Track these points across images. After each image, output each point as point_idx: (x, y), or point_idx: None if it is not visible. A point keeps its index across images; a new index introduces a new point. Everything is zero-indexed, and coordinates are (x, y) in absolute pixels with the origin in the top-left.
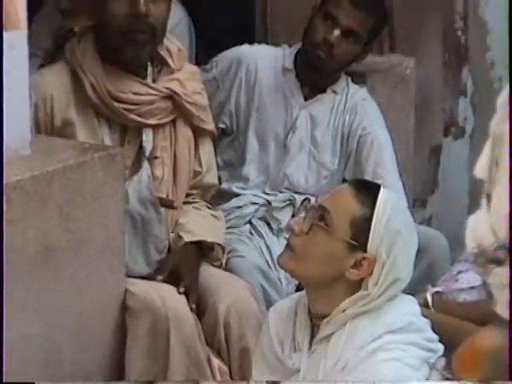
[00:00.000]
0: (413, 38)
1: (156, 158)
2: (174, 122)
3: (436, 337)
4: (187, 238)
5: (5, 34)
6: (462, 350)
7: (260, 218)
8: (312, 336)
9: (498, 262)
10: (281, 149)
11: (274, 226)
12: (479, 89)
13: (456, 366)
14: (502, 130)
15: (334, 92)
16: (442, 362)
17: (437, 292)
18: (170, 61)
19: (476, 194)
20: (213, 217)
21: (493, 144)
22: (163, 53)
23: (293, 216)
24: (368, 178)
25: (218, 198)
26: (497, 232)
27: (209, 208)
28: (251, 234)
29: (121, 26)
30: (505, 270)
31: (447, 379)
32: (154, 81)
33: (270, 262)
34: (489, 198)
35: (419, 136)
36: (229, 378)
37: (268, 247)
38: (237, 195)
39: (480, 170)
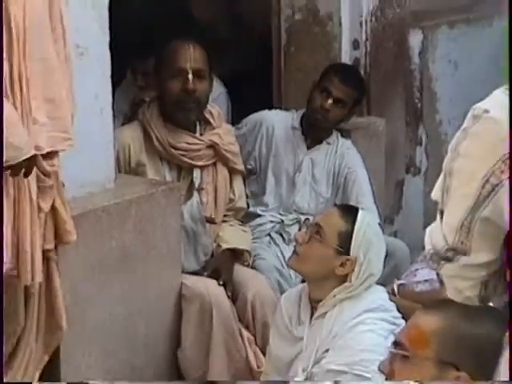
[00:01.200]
0: (383, 105)
1: (202, 189)
2: (215, 164)
3: (399, 315)
4: (224, 245)
5: (95, 102)
6: (410, 333)
7: (276, 232)
8: (312, 314)
9: (448, 260)
10: (290, 183)
11: (285, 237)
12: (430, 141)
13: (410, 347)
14: (451, 167)
15: (328, 143)
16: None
17: (400, 284)
18: (212, 121)
19: (428, 214)
20: (242, 231)
21: (444, 177)
22: (207, 115)
23: (298, 230)
24: (352, 203)
25: (247, 217)
26: (447, 238)
27: (240, 225)
28: (270, 243)
29: (175, 98)
30: (452, 265)
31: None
32: (201, 135)
33: (283, 263)
34: (441, 213)
35: (388, 173)
36: (254, 344)
37: (282, 252)
38: (259, 216)
39: (435, 194)
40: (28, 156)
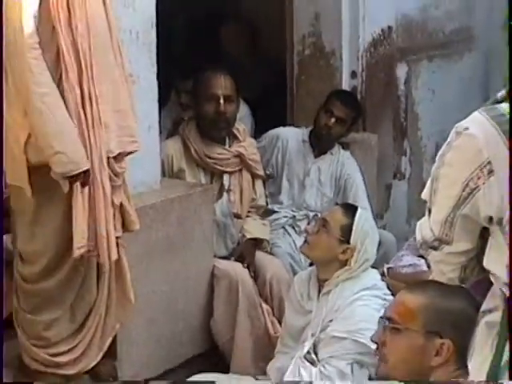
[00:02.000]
0: (376, 123)
1: (230, 190)
2: (240, 170)
3: (389, 292)
4: (248, 236)
5: (145, 120)
6: (399, 309)
7: (289, 225)
8: (319, 291)
9: (434, 248)
10: (301, 186)
11: (297, 229)
12: (413, 152)
13: (400, 320)
14: (437, 173)
15: (331, 154)
16: None
17: (389, 267)
18: (238, 135)
19: (410, 212)
20: (262, 224)
21: (432, 181)
22: (235, 131)
23: (308, 224)
24: (350, 202)
25: (266, 213)
26: (434, 231)
27: (260, 219)
28: (284, 234)
29: (210, 118)
30: (438, 252)
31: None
32: (229, 146)
33: (295, 250)
34: (429, 211)
35: (379, 178)
36: (272, 315)
37: (294, 241)
38: (276, 212)
39: (425, 195)
40: (84, 169)
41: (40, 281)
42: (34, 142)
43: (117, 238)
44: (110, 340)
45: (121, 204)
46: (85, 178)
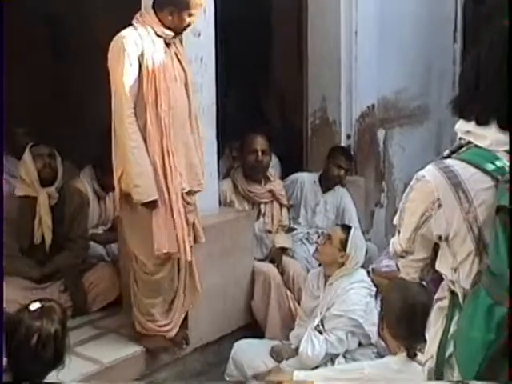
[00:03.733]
0: (363, 169)
1: (265, 215)
2: (272, 201)
3: (373, 284)
4: (277, 245)
5: (207, 168)
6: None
7: (305, 239)
8: (325, 283)
9: (402, 257)
10: (312, 212)
11: (310, 241)
12: (389, 190)
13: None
14: (403, 207)
15: (334, 190)
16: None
17: (372, 268)
18: (271, 177)
19: (387, 230)
20: (287, 237)
21: (400, 212)
22: (268, 174)
23: (318, 238)
24: (346, 223)
25: (289, 230)
26: (402, 245)
27: (285, 234)
28: (301, 244)
29: (251, 166)
30: (404, 259)
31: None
32: (264, 185)
33: (309, 255)
34: (399, 232)
35: (366, 207)
36: (293, 300)
37: (308, 250)
38: (296, 229)
39: (395, 221)
40: (152, 199)
41: (154, 274)
42: (125, 177)
43: (190, 247)
44: (183, 315)
45: (193, 223)
46: (154, 204)
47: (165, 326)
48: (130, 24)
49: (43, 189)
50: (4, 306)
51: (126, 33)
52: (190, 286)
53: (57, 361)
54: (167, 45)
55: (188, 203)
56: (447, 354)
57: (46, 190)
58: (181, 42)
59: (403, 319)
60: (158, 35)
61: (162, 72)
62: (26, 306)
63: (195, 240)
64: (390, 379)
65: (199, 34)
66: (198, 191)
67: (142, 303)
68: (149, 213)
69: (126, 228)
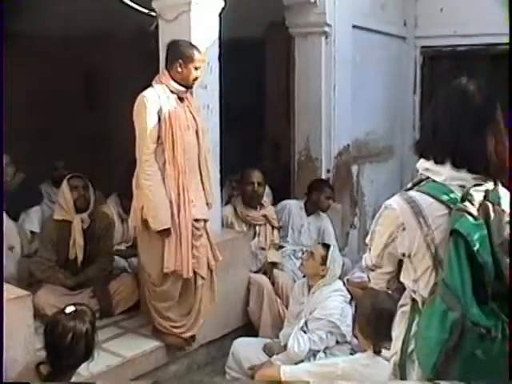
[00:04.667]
0: (340, 198)
1: (259, 235)
2: (265, 223)
3: (348, 293)
4: (269, 260)
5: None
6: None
7: (292, 255)
8: (309, 292)
9: (372, 270)
10: (298, 232)
11: (297, 257)
12: (361, 214)
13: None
14: (373, 230)
15: (316, 214)
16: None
17: (347, 279)
18: (265, 204)
19: (359, 248)
20: (278, 253)
21: (371, 233)
22: (263, 202)
23: (302, 254)
24: (326, 242)
25: (279, 248)
26: (372, 261)
27: (276, 250)
28: (289, 259)
29: (249, 195)
30: (374, 272)
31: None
32: (259, 210)
33: (296, 269)
34: (370, 249)
35: (342, 229)
36: (282, 305)
37: (295, 264)
38: (284, 247)
39: (367, 240)
40: (166, 227)
41: (159, 286)
42: (145, 208)
43: (211, 265)
44: (202, 321)
45: (211, 245)
46: (166, 232)
47: (180, 327)
48: (150, 84)
49: (77, 215)
50: (45, 309)
51: (147, 93)
52: (208, 296)
53: (87, 355)
54: (181, 99)
55: (197, 229)
56: (409, 350)
57: (80, 216)
58: (191, 94)
59: (372, 322)
60: (172, 92)
61: (177, 122)
62: (62, 310)
63: (215, 259)
64: (360, 372)
65: (206, 86)
66: (207, 220)
67: (156, 307)
68: (161, 237)
69: (140, 247)
